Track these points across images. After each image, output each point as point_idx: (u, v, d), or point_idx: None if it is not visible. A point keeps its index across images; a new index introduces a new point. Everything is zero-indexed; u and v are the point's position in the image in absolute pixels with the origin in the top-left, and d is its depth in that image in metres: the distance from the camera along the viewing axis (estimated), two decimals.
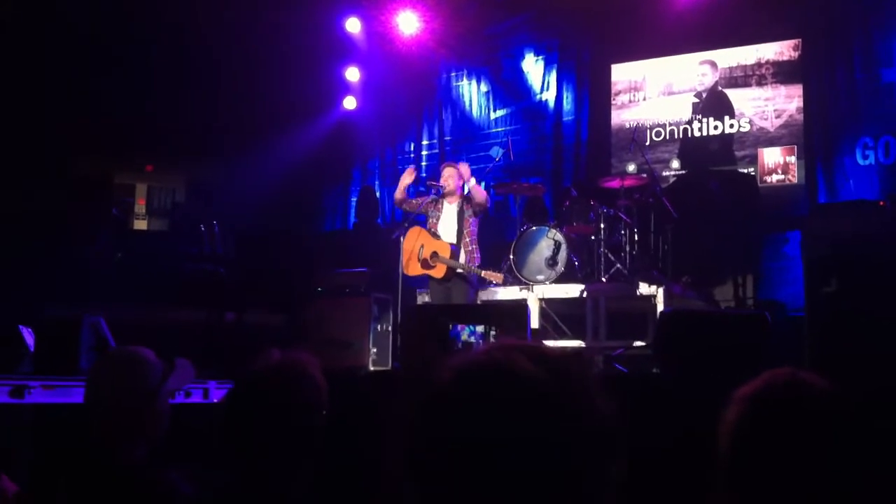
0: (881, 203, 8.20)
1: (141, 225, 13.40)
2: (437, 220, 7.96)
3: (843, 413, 1.86)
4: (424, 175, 11.59)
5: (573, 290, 8.07)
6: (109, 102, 11.31)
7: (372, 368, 7.71)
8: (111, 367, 2.76)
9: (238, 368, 2.40)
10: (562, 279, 8.10)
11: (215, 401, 5.15)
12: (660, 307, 7.44)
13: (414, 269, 7.91)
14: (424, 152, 12.10)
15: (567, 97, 11.13)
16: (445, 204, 8.02)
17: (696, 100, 10.36)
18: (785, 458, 1.81)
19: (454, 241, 7.79)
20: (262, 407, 2.27)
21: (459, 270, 7.65)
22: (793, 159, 9.71)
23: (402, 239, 7.94)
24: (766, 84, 9.98)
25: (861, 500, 1.80)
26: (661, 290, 7.64)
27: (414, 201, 8.15)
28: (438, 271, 7.73)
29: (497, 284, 7.83)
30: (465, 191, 8.41)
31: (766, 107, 9.95)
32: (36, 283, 8.74)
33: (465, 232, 7.81)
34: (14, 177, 10.47)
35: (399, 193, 8.09)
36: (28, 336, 5.54)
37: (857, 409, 1.87)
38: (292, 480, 2.26)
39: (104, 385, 2.66)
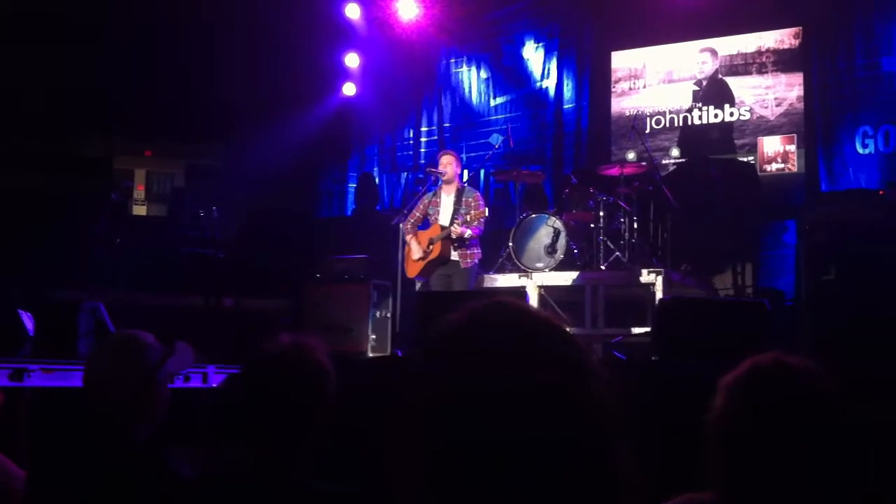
0: (881, 192, 8.20)
1: (140, 210, 13.40)
2: (437, 215, 8.01)
3: (830, 397, 1.85)
4: (423, 162, 11.60)
5: (572, 278, 8.08)
6: (108, 87, 11.29)
7: (371, 354, 7.74)
8: (110, 349, 2.76)
9: (246, 352, 2.41)
10: (561, 267, 8.11)
11: (214, 385, 5.17)
12: (659, 295, 7.43)
13: (414, 267, 7.95)
14: (423, 139, 12.09)
15: (567, 84, 11.11)
16: (443, 196, 8.08)
17: (697, 88, 10.35)
18: (771, 444, 1.80)
19: (447, 223, 7.85)
20: (270, 390, 2.28)
21: (453, 235, 7.71)
22: (793, 148, 9.71)
23: (401, 225, 7.97)
24: (767, 72, 9.96)
25: (849, 486, 1.80)
26: (660, 278, 7.64)
27: (417, 215, 8.15)
28: (435, 251, 7.79)
29: (480, 230, 7.84)
30: (464, 179, 8.43)
31: (767, 95, 9.93)
32: (36, 268, 8.75)
33: (459, 212, 7.85)
34: (14, 161, 10.46)
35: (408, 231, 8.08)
36: (27, 321, 5.55)
37: (845, 392, 1.87)
38: (297, 464, 2.27)
39: (103, 368, 2.66)
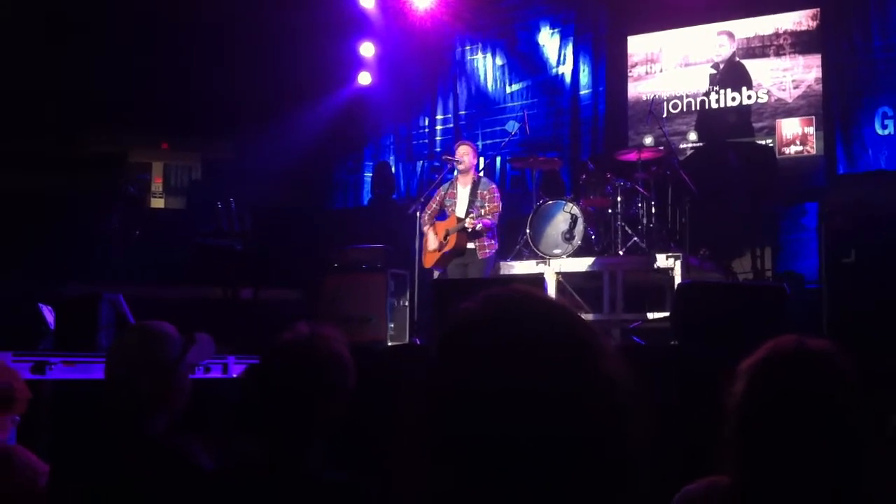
0: None
1: (158, 203, 13.45)
2: (454, 206, 8.02)
3: (849, 381, 1.83)
4: (439, 150, 11.58)
5: (590, 264, 8.06)
6: (124, 81, 11.32)
7: (390, 343, 7.76)
8: (131, 340, 2.76)
9: (264, 342, 2.41)
10: (579, 253, 8.08)
11: (234, 376, 5.19)
12: (677, 279, 7.41)
13: (431, 258, 7.97)
14: (439, 127, 12.06)
15: (583, 70, 11.06)
16: (459, 187, 8.10)
17: (714, 71, 10.28)
18: (790, 428, 1.79)
19: (463, 215, 7.87)
20: (282, 380, 2.28)
21: (467, 225, 7.76)
22: (811, 130, 9.63)
23: (418, 214, 7.97)
24: (785, 54, 9.88)
25: (867, 472, 1.78)
26: (678, 263, 7.61)
27: (434, 206, 8.17)
28: (451, 243, 7.80)
29: (491, 223, 7.84)
30: (480, 171, 8.42)
31: (785, 77, 9.86)
32: (55, 262, 8.81)
33: (475, 204, 7.86)
34: (30, 156, 10.52)
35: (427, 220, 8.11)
36: (48, 314, 5.59)
37: (865, 375, 1.85)
38: (308, 454, 2.27)
39: (124, 358, 2.67)
